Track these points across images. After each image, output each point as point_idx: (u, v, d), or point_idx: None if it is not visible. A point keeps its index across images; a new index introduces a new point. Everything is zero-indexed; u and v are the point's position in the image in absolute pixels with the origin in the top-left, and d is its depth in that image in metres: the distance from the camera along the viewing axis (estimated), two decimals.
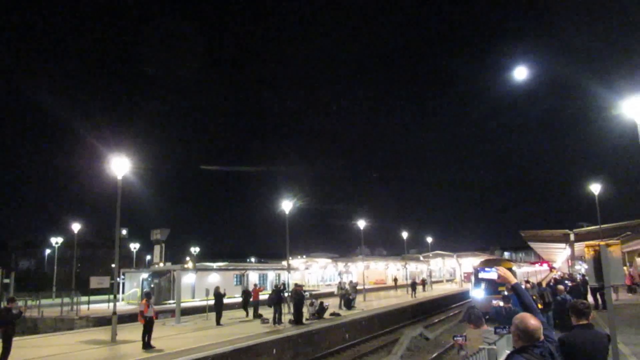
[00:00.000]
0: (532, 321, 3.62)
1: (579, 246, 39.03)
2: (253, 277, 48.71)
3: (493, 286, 21.92)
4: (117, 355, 15.57)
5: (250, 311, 26.79)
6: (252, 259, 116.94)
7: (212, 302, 25.16)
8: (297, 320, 22.56)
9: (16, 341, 14.22)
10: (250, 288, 30.94)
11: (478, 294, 26.42)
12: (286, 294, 25.72)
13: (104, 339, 19.01)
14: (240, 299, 31.34)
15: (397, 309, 32.58)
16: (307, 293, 26.13)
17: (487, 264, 29.01)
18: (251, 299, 27.36)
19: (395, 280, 59.18)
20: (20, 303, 26.33)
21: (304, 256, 73.25)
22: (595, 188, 31.87)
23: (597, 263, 6.19)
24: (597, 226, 31.83)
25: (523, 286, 4.67)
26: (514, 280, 4.62)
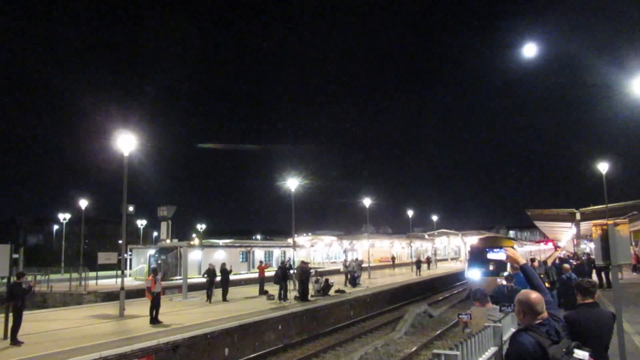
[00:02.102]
0: (533, 295, 3.66)
1: (585, 225, 39.00)
2: (259, 254, 49.12)
3: (500, 267, 20.91)
4: (125, 330, 15.79)
5: (260, 289, 27.00)
6: (258, 236, 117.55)
7: (218, 278, 25.14)
8: (303, 296, 22.76)
9: (26, 315, 14.44)
10: (256, 265, 31.24)
11: (474, 274, 24.96)
12: (292, 271, 25.89)
13: (112, 314, 19.28)
14: (248, 276, 31.28)
15: (402, 286, 32.79)
16: (312, 270, 26.30)
17: (486, 242, 27.73)
18: (257, 276, 27.64)
19: (393, 258, 57.11)
20: (29, 278, 26.68)
21: (310, 234, 73.50)
22: (603, 167, 31.59)
23: (605, 242, 6.17)
24: (604, 205, 31.69)
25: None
26: (523, 261, 4.59)
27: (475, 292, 6.86)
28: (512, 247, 23.45)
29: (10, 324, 13.53)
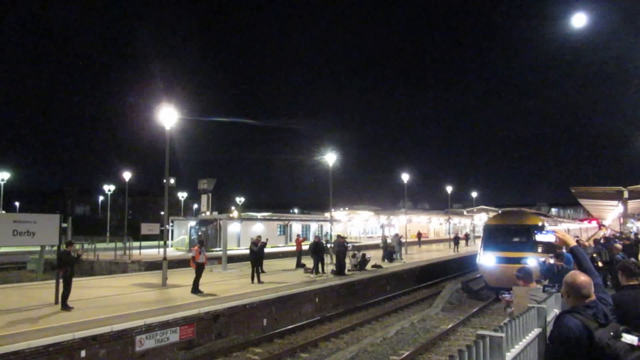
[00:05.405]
0: (582, 277, 3.57)
1: (633, 204, 37.59)
2: (296, 228, 49.61)
3: (550, 249, 18.36)
4: (168, 298, 16.31)
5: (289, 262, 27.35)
6: (295, 210, 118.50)
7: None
8: (340, 270, 22.91)
9: (75, 282, 15.04)
10: (294, 238, 31.58)
11: (488, 260, 21.00)
12: (328, 245, 25.99)
13: (155, 283, 19.91)
14: (285, 249, 31.41)
15: (439, 262, 32.62)
16: (349, 245, 26.37)
17: (505, 218, 23.93)
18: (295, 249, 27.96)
19: (419, 235, 52.43)
20: (77, 247, 27.80)
21: (347, 208, 73.56)
22: None
23: None
24: None
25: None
26: (573, 243, 4.45)
27: (519, 269, 6.72)
28: (543, 225, 21.37)
29: (60, 290, 14.18)
